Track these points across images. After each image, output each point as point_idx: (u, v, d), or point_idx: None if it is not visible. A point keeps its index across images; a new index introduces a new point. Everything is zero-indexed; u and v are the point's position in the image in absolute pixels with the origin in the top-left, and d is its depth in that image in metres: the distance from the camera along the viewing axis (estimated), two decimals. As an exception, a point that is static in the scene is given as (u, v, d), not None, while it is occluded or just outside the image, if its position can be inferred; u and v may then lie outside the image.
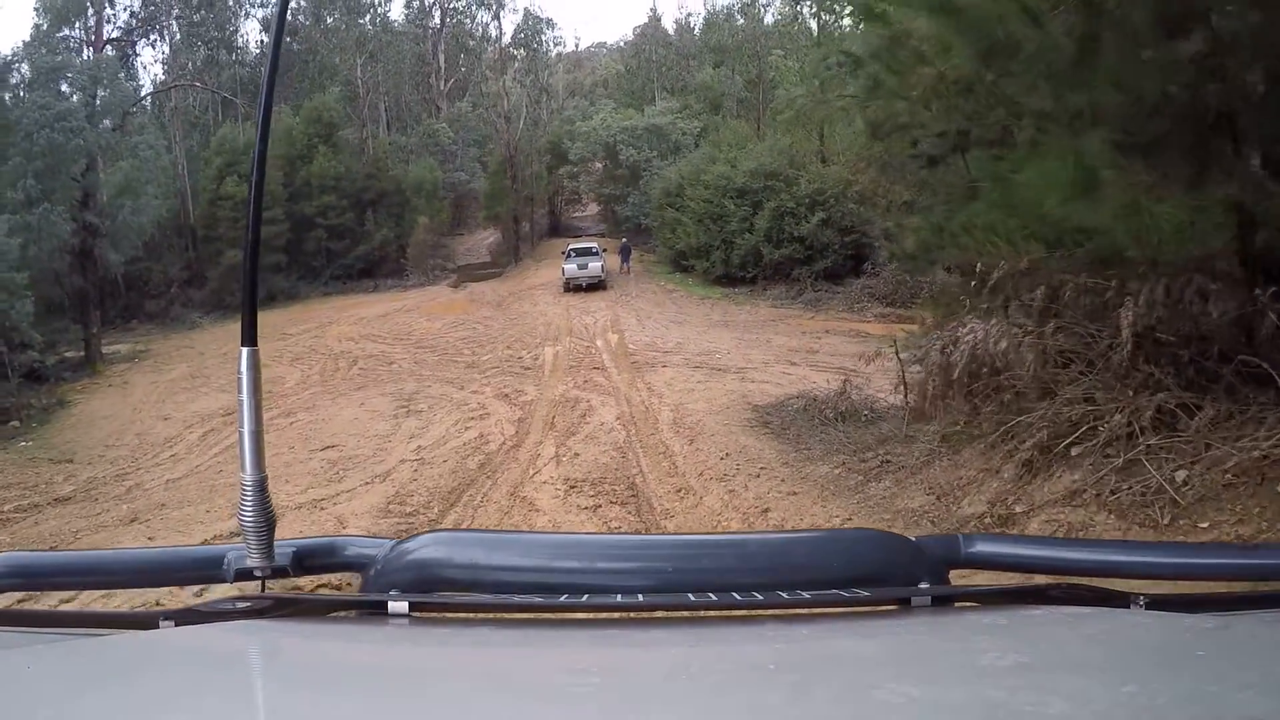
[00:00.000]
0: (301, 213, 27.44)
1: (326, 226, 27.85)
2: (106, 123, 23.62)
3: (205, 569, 0.89)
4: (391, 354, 16.59)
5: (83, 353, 20.70)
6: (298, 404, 12.64)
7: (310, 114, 29.32)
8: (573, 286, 23.01)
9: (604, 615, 0.82)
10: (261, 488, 0.85)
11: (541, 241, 32.68)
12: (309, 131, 28.80)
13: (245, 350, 0.86)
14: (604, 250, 24.82)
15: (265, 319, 22.75)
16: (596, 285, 23.03)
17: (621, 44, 46.43)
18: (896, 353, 8.68)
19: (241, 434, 0.85)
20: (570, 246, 25.01)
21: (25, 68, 22.18)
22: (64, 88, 21.88)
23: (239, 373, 0.86)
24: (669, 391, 11.32)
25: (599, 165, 34.64)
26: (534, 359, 14.91)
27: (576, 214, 39.03)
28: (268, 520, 0.84)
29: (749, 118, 32.70)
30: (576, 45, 48.87)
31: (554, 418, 10.31)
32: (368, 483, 8.11)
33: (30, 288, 16.99)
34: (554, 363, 14.40)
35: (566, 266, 23.37)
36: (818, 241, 21.76)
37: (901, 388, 8.48)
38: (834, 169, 23.37)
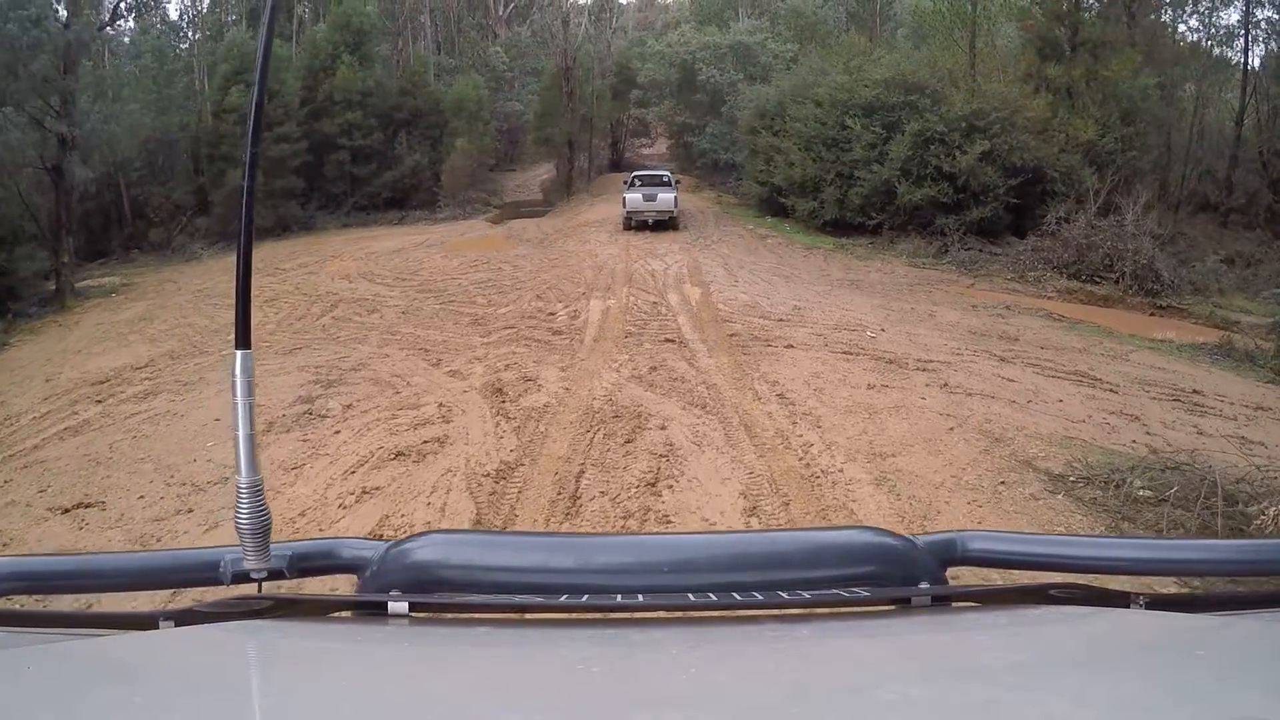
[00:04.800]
0: (322, 132, 23.43)
1: (350, 148, 23.83)
2: (93, 15, 19.73)
3: (202, 572, 0.85)
4: (382, 298, 12.23)
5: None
6: (180, 376, 8.36)
7: (338, 20, 25.06)
8: (635, 223, 18.23)
9: (603, 615, 0.79)
10: (256, 490, 0.81)
11: (600, 176, 28.19)
12: (334, 39, 24.59)
13: (239, 354, 0.81)
14: (678, 182, 19.99)
15: (267, 252, 18.60)
16: (666, 223, 18.29)
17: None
18: None
19: (236, 438, 0.81)
20: (635, 174, 20.42)
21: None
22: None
23: (232, 376, 0.81)
24: (823, 406, 6.43)
25: (669, 100, 29.72)
26: (571, 318, 10.28)
27: (643, 149, 34.34)
28: (263, 523, 0.81)
29: (862, 33, 27.27)
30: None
31: (581, 474, 5.07)
32: None
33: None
34: (601, 327, 9.73)
35: (629, 196, 18.41)
36: (975, 182, 16.35)
37: None
38: (999, 87, 17.80)
